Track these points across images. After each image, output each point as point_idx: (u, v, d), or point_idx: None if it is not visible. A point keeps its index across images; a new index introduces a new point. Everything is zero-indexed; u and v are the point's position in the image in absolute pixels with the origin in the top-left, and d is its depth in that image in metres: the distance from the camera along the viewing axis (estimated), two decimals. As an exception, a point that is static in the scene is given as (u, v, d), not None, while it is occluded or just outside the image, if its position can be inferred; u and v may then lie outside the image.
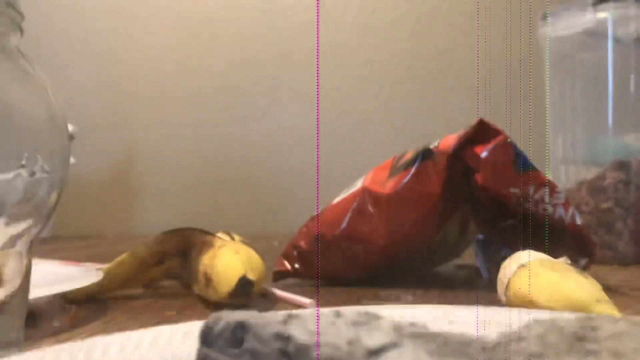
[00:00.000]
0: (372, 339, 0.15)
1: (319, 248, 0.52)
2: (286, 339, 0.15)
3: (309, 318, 0.15)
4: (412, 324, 0.16)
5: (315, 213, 0.55)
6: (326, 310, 0.16)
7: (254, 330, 0.15)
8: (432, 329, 0.16)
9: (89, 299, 0.45)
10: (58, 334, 0.34)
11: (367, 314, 0.16)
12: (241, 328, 0.16)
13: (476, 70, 1.18)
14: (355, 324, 0.15)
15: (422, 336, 0.15)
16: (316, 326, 0.15)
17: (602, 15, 0.68)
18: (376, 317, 0.16)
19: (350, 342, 0.15)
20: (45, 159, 0.28)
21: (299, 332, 0.15)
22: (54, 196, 0.29)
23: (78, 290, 0.42)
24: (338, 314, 0.16)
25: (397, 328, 0.16)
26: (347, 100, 1.22)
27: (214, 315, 0.16)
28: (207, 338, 0.16)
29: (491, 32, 1.16)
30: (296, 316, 0.16)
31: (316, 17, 1.24)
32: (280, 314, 0.16)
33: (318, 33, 1.21)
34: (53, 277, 0.44)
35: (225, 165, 1.26)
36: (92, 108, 1.29)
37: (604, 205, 0.66)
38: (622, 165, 0.67)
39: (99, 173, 1.30)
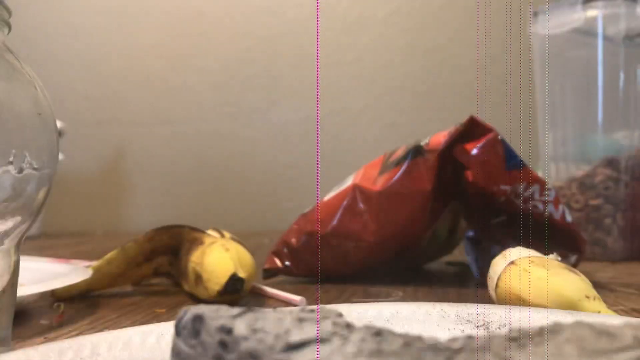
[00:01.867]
0: (298, 334, 0.15)
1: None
2: (228, 331, 0.16)
3: (261, 315, 0.17)
4: (368, 325, 0.16)
5: (305, 210, 0.55)
6: (288, 309, 0.17)
7: (206, 322, 0.17)
8: (397, 329, 0.16)
9: (77, 297, 0.44)
10: (46, 332, 0.34)
11: (327, 310, 0.17)
12: (198, 320, 0.17)
13: (466, 67, 1.18)
14: (301, 320, 0.16)
15: (369, 334, 0.16)
16: (270, 324, 0.16)
17: (591, 13, 0.68)
18: (337, 314, 0.17)
19: (277, 336, 0.15)
20: (34, 156, 0.28)
21: (241, 326, 0.16)
22: (42, 193, 0.29)
23: (67, 287, 0.42)
24: (293, 312, 0.17)
25: (347, 326, 0.16)
26: (338, 98, 1.22)
27: (184, 308, 0.18)
28: (177, 329, 0.17)
29: (482, 29, 1.17)
30: (251, 311, 0.17)
31: (316, 18, 1.23)
32: (236, 309, 0.17)
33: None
34: (41, 275, 0.43)
35: (215, 162, 1.26)
36: (81, 104, 1.29)
37: (594, 202, 0.67)
38: (611, 162, 0.67)
39: (88, 170, 1.29)
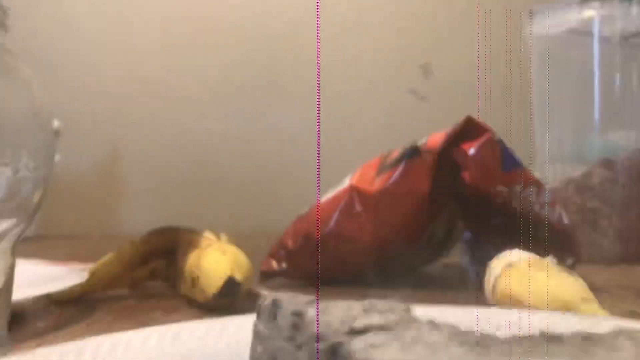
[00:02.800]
0: (363, 321, 0.17)
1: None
2: (300, 315, 0.18)
3: (331, 304, 0.18)
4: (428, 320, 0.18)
5: (302, 212, 0.55)
6: (349, 302, 0.19)
7: (282, 307, 0.19)
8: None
9: (73, 300, 0.44)
10: (42, 336, 0.34)
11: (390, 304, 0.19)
12: (276, 305, 0.19)
13: (464, 68, 1.18)
14: (367, 310, 0.18)
15: (429, 327, 0.17)
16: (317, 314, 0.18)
17: (588, 14, 0.68)
18: (404, 309, 0.18)
19: (342, 321, 0.17)
20: (30, 157, 0.28)
21: (312, 311, 0.18)
22: (38, 194, 0.29)
23: (63, 291, 0.42)
24: (360, 304, 0.19)
25: (410, 318, 0.18)
26: (335, 99, 1.22)
27: (264, 293, 0.20)
28: (257, 312, 0.20)
29: (478, 29, 1.17)
30: (322, 300, 0.19)
31: (314, 20, 1.23)
32: (309, 297, 0.19)
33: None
34: (37, 278, 0.43)
35: (212, 164, 1.26)
36: (77, 105, 1.28)
37: (591, 204, 0.66)
38: (608, 164, 0.67)
39: (84, 170, 1.29)
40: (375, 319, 0.17)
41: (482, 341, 0.16)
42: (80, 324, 0.37)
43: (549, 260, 0.36)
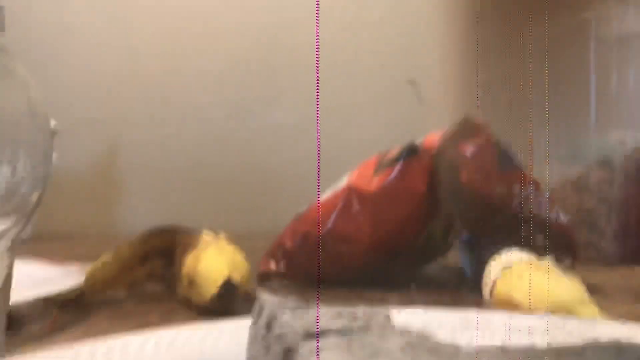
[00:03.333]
0: (321, 325, 0.18)
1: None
2: (273, 317, 0.19)
3: (309, 309, 0.19)
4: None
5: (300, 212, 0.55)
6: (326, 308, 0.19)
7: (265, 308, 0.20)
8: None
9: (71, 302, 0.44)
10: (40, 338, 0.34)
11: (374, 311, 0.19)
12: (260, 307, 0.20)
13: (461, 68, 1.18)
14: (337, 316, 0.19)
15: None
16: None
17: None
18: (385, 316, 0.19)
19: (303, 325, 0.18)
20: (28, 157, 0.28)
21: (286, 313, 0.19)
22: (36, 194, 0.29)
23: (60, 293, 0.42)
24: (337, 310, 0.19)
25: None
26: (332, 98, 1.22)
27: (261, 295, 0.21)
28: (252, 314, 0.20)
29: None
30: (303, 307, 0.20)
31: (312, 18, 1.23)
32: (295, 303, 0.20)
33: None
34: (34, 278, 0.43)
35: (210, 163, 1.26)
36: (75, 104, 1.28)
37: (588, 204, 0.67)
38: (605, 164, 0.67)
39: (82, 171, 1.28)
40: (334, 324, 0.18)
41: (441, 351, 0.16)
42: (78, 326, 0.37)
43: (547, 261, 0.36)
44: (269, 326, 0.18)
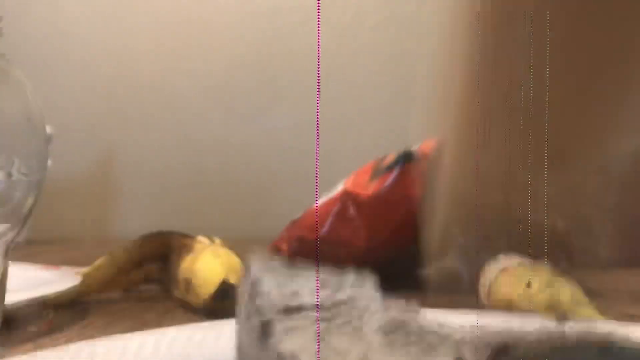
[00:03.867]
0: (299, 300, 0.17)
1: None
2: (255, 283, 0.18)
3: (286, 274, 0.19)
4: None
5: (296, 217, 0.55)
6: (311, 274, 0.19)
7: (250, 273, 0.19)
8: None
9: (66, 304, 0.44)
10: (36, 340, 0.33)
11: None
12: (247, 272, 0.19)
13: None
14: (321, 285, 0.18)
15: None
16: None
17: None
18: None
19: (282, 297, 0.17)
20: (23, 161, 0.28)
21: (268, 279, 0.18)
22: (31, 199, 0.29)
23: (56, 294, 0.42)
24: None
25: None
26: (328, 105, 1.22)
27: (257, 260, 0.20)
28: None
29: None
30: (291, 271, 0.19)
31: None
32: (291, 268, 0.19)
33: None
34: (30, 282, 0.43)
35: (206, 168, 1.26)
36: (70, 109, 1.28)
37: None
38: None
39: (77, 175, 1.28)
40: (314, 298, 0.17)
41: (424, 338, 0.16)
42: (74, 327, 0.36)
43: (543, 265, 0.36)
44: (251, 294, 0.18)
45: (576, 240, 0.65)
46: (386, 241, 0.51)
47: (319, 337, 0.16)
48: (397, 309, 0.18)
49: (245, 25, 1.25)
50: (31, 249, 0.95)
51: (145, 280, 0.47)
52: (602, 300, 0.43)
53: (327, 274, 0.19)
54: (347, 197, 0.51)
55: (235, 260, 0.42)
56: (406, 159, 0.49)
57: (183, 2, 1.27)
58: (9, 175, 0.27)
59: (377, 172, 0.51)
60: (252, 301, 0.17)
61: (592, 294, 0.46)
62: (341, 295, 0.17)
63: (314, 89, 1.22)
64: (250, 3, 1.25)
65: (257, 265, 0.19)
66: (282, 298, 0.17)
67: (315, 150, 1.21)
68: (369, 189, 0.50)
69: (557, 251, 0.49)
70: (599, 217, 0.66)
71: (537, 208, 0.48)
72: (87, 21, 1.29)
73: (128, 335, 0.24)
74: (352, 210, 0.51)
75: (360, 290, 0.18)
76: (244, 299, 0.18)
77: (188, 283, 0.41)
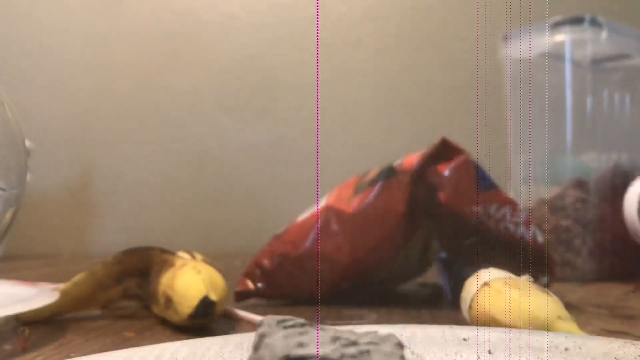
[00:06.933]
0: (299, 351, 0.17)
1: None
2: (261, 336, 0.19)
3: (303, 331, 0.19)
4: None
5: (278, 232, 0.55)
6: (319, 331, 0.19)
7: (260, 326, 0.19)
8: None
9: (43, 321, 0.43)
10: (10, 358, 0.33)
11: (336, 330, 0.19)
12: (258, 325, 0.20)
13: (439, 90, 1.19)
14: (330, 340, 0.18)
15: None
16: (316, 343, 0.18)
17: (559, 38, 0.70)
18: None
19: (285, 348, 0.18)
20: (1, 176, 0.27)
21: (276, 333, 0.19)
22: (9, 214, 0.28)
23: (32, 311, 0.41)
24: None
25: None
26: (310, 119, 1.22)
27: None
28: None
29: (453, 52, 1.18)
30: (299, 327, 0.19)
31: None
32: (293, 321, 0.19)
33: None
34: (6, 298, 0.42)
35: (185, 183, 1.25)
36: (49, 123, 1.27)
37: (564, 223, 0.67)
38: (580, 184, 0.68)
39: (56, 190, 1.27)
40: (313, 350, 0.17)
41: None
42: (50, 345, 0.36)
43: (525, 279, 0.36)
44: (256, 346, 0.18)
45: (556, 254, 0.66)
46: (368, 256, 0.50)
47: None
48: None
49: (225, 41, 1.25)
50: (7, 265, 0.93)
51: (124, 297, 0.47)
52: (582, 315, 0.44)
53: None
54: (329, 212, 0.51)
55: (216, 276, 0.42)
56: (388, 174, 0.50)
57: (162, 17, 1.26)
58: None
59: (360, 187, 0.51)
60: (255, 353, 0.18)
61: (572, 308, 0.46)
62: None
63: (298, 104, 1.22)
64: (230, 18, 1.25)
65: (269, 320, 0.19)
66: (286, 348, 0.17)
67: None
68: (351, 204, 0.50)
69: (538, 265, 0.49)
70: (578, 232, 0.66)
71: (517, 222, 0.48)
72: (66, 35, 1.28)
73: (105, 354, 0.24)
74: (334, 225, 0.51)
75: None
76: (251, 353, 0.19)
77: (168, 299, 0.40)
